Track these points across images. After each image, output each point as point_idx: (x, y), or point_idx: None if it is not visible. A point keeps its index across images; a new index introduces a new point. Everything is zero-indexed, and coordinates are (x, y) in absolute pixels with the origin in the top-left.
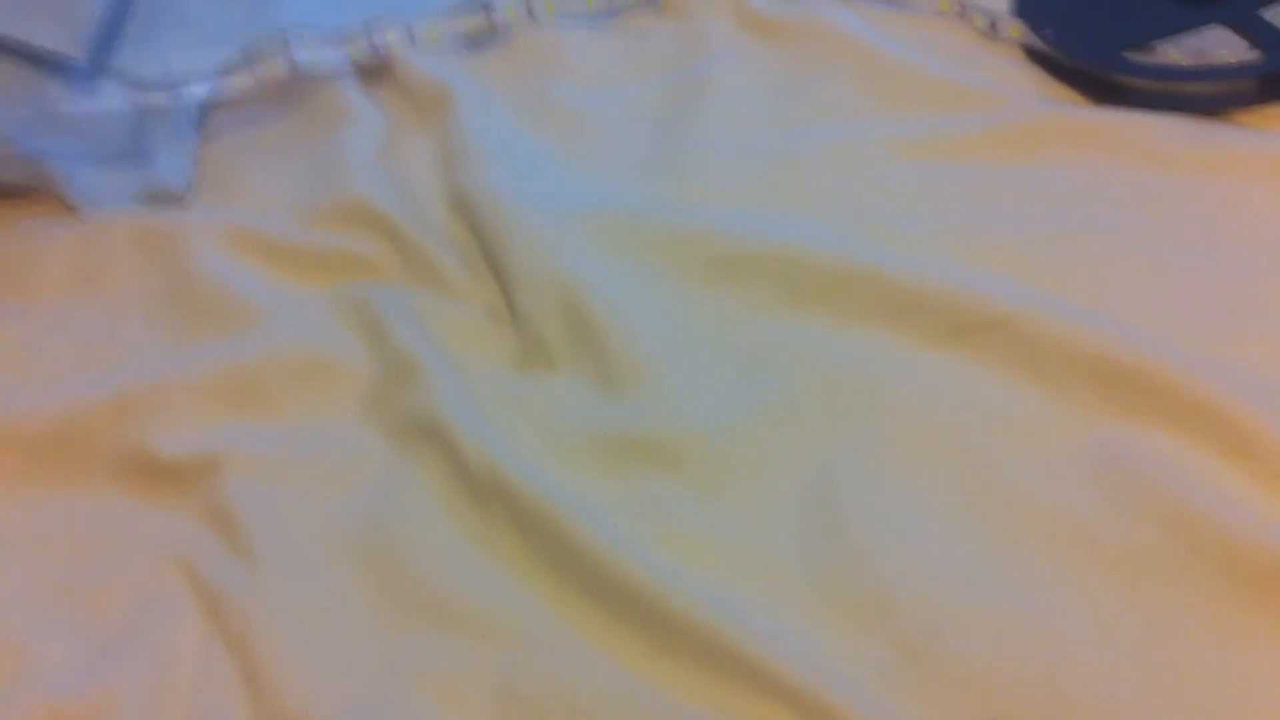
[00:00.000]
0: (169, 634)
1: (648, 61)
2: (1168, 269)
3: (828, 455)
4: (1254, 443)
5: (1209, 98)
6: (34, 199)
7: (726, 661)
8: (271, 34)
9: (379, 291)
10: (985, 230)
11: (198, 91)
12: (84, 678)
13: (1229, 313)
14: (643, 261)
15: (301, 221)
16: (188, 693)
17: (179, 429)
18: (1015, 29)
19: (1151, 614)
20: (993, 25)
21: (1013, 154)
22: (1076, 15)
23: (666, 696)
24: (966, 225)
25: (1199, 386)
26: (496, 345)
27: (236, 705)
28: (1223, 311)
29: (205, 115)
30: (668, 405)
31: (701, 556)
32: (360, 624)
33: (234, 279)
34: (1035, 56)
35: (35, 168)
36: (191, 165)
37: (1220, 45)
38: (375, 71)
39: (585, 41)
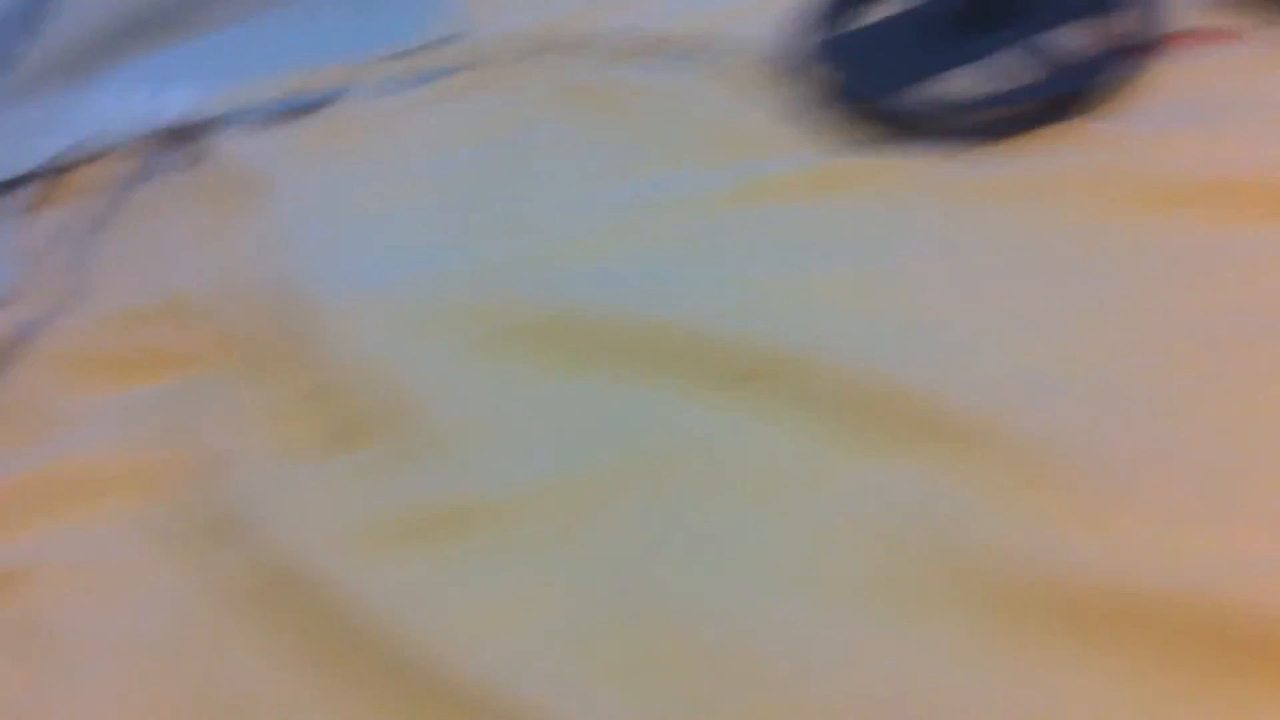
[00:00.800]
0: None
1: (469, 130)
2: (955, 300)
3: (631, 513)
4: (1034, 465)
5: (1000, 122)
6: None
7: None
8: (89, 136)
9: (188, 384)
10: (782, 269)
11: (17, 200)
12: None
13: (1016, 337)
14: (449, 335)
15: (114, 317)
16: None
17: None
18: (812, 71)
19: (939, 643)
20: (795, 69)
21: (813, 195)
22: (868, 55)
23: None
24: (763, 266)
25: (981, 412)
26: (310, 428)
27: None
28: (1010, 336)
29: (27, 215)
30: (477, 472)
31: (505, 622)
32: None
33: (41, 381)
34: (836, 97)
35: None
36: (14, 269)
37: (1007, 70)
38: (191, 155)
39: (406, 112)
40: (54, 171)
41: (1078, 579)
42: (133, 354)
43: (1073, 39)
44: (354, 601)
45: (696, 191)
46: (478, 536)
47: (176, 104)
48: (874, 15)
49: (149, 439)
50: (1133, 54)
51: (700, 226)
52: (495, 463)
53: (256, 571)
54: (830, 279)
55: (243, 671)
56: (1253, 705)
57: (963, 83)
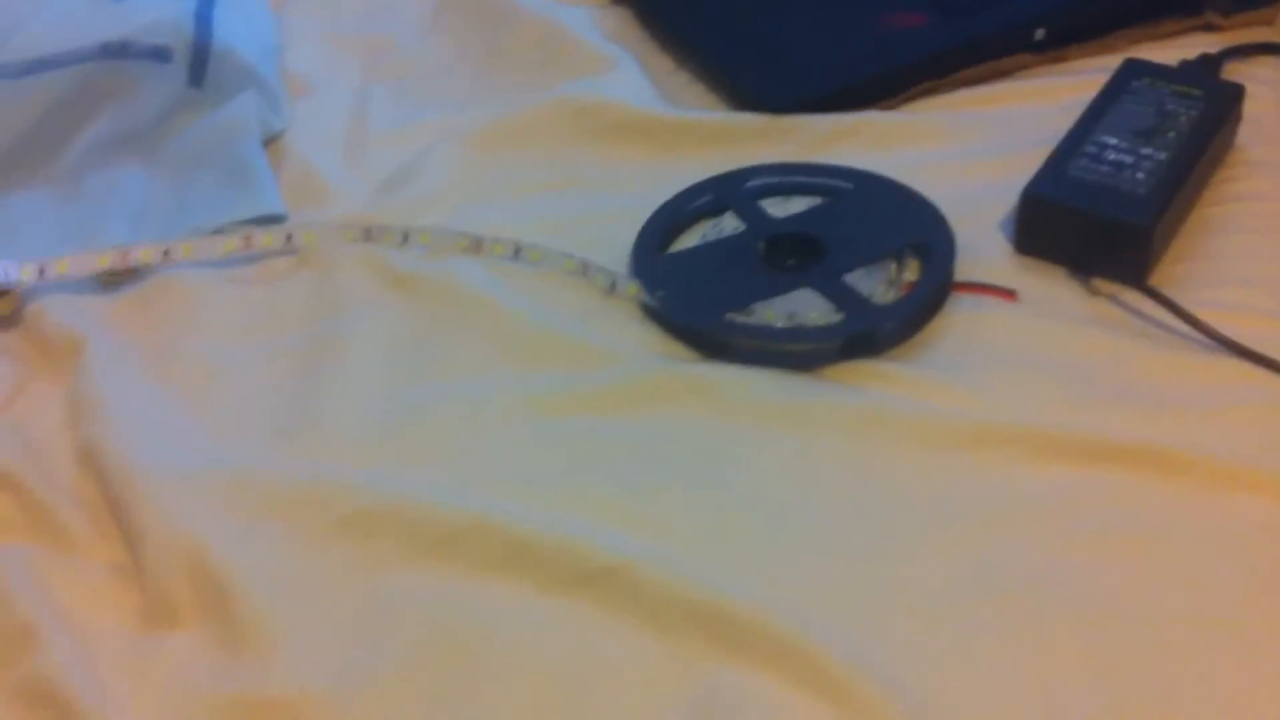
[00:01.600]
0: None
1: (283, 315)
2: (762, 519)
3: (447, 709)
4: (837, 684)
5: (800, 355)
6: None
7: None
8: None
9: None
10: (598, 484)
11: None
12: None
13: (817, 560)
14: (267, 520)
15: None
16: None
17: None
18: (632, 289)
19: None
20: (612, 285)
21: (624, 408)
22: (685, 278)
23: None
24: (580, 479)
25: (789, 633)
26: (121, 605)
27: None
28: (811, 559)
29: None
30: (290, 665)
31: None
32: None
33: None
34: (651, 315)
35: None
36: None
37: (809, 307)
38: (1, 314)
39: (220, 292)
40: None
41: None
42: None
43: (866, 284)
44: None
45: (512, 397)
46: None
47: None
48: (685, 243)
49: None
50: (920, 300)
51: (517, 433)
52: (313, 658)
53: None
54: (650, 493)
55: None
56: None
57: (768, 314)
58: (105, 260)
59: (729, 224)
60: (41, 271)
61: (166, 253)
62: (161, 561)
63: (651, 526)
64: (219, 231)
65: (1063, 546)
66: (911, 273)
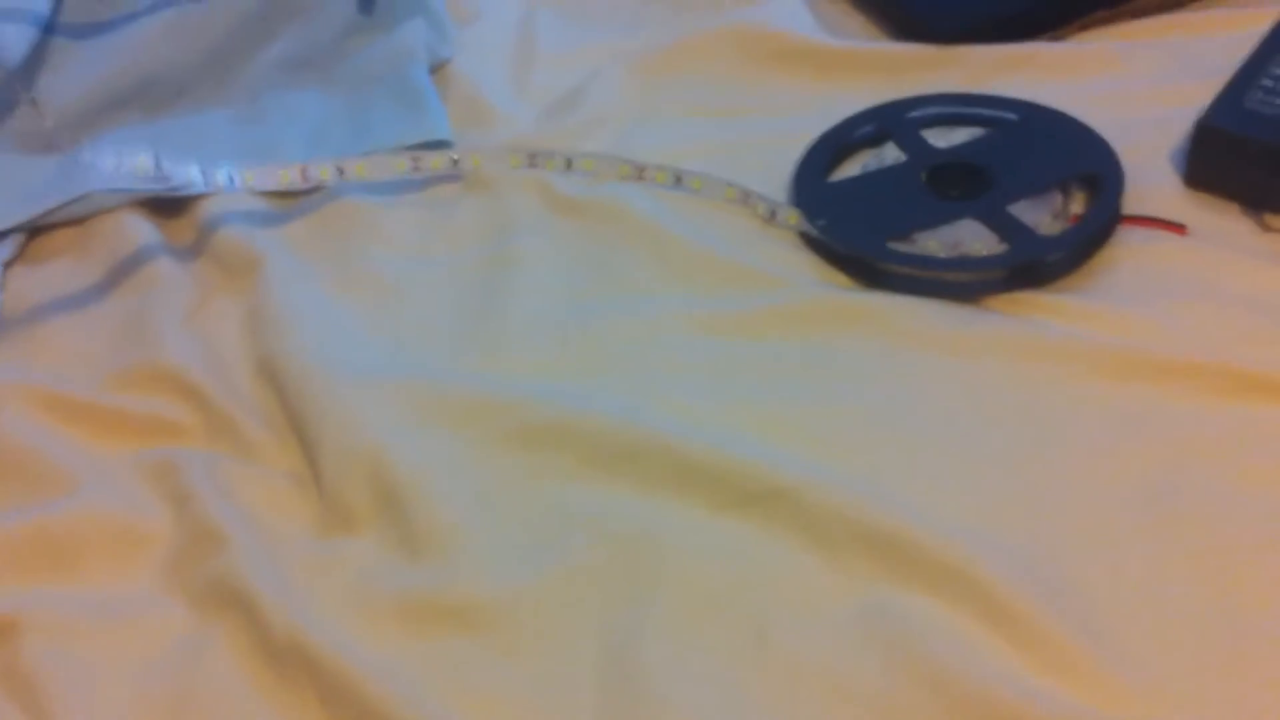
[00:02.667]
0: None
1: (455, 236)
2: (930, 443)
3: (621, 617)
4: (1009, 608)
5: (962, 285)
6: None
7: None
8: (80, 197)
9: (183, 456)
10: (768, 405)
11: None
12: None
13: (986, 484)
14: (446, 430)
15: (107, 385)
16: None
17: None
18: (793, 217)
19: None
20: (773, 213)
21: (788, 332)
22: (846, 207)
23: None
24: (750, 399)
25: (961, 557)
26: (301, 510)
27: None
28: (980, 483)
29: (4, 273)
30: (469, 569)
31: (502, 716)
32: None
33: (37, 440)
34: (810, 243)
35: None
36: None
37: (973, 237)
38: (184, 233)
39: (395, 211)
40: (41, 228)
41: None
42: (117, 416)
43: (1031, 214)
44: (364, 680)
45: (682, 317)
46: (471, 633)
47: (169, 177)
48: (847, 172)
49: (138, 504)
50: (1088, 231)
51: (688, 351)
52: (490, 563)
53: (255, 638)
54: (818, 414)
55: None
56: None
57: (930, 244)
58: (286, 176)
59: (891, 154)
60: (231, 179)
61: (341, 170)
62: (341, 468)
63: (819, 448)
64: (390, 154)
65: (1241, 476)
66: (1078, 204)
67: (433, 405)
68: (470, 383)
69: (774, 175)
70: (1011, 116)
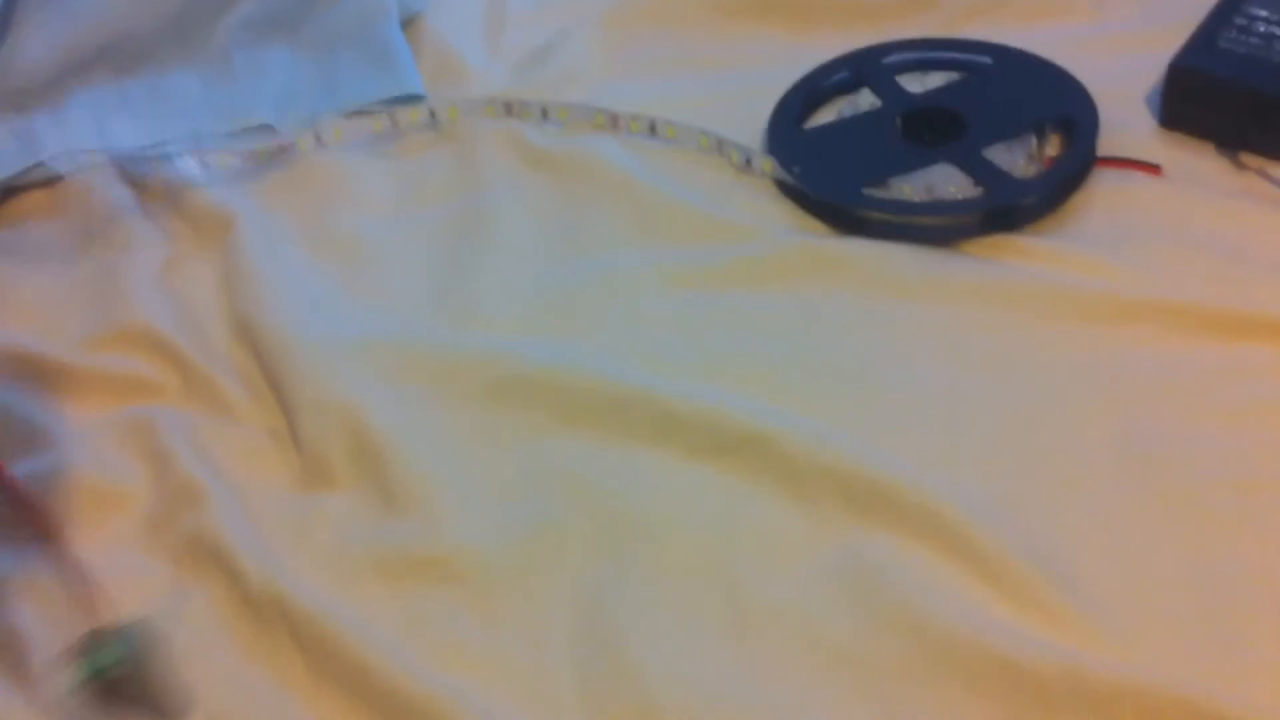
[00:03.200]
0: None
1: (428, 190)
2: (905, 390)
3: (596, 570)
4: (983, 553)
5: (938, 229)
6: None
7: None
8: (49, 159)
9: (159, 414)
10: (742, 355)
11: None
12: None
13: (959, 430)
14: (421, 387)
15: (81, 346)
16: None
17: None
18: (767, 165)
19: (890, 712)
20: (747, 161)
21: (764, 282)
22: (821, 154)
23: None
24: (724, 351)
25: (935, 502)
26: (278, 468)
27: None
28: (953, 429)
29: None
30: (445, 524)
31: (477, 671)
32: None
33: (10, 401)
34: (785, 190)
35: None
36: None
37: (948, 182)
38: (156, 192)
39: (367, 168)
40: (11, 190)
41: (1035, 663)
42: (92, 376)
43: (1006, 158)
44: (342, 633)
45: (655, 270)
46: (449, 587)
47: (135, 137)
48: (821, 119)
49: (115, 464)
50: (1062, 174)
51: (662, 305)
52: (468, 518)
53: (235, 594)
54: (793, 364)
55: (229, 692)
56: None
57: (905, 189)
58: (264, 152)
59: (865, 100)
60: (191, 140)
61: (319, 137)
62: (317, 425)
63: (794, 396)
64: (363, 111)
65: (1213, 418)
66: (1053, 148)
67: (408, 363)
68: (444, 340)
69: (748, 127)
70: (986, 60)
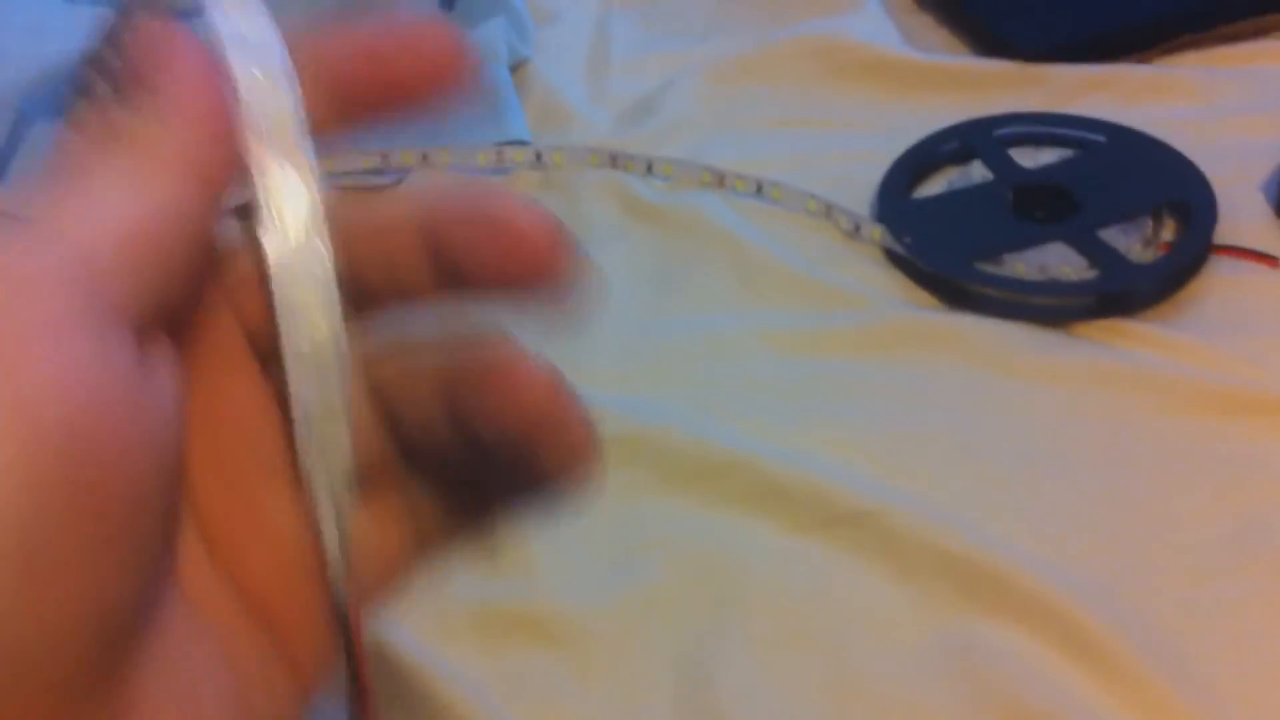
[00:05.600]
0: None
1: None
2: (1015, 472)
3: (699, 638)
4: (1088, 640)
5: (1050, 309)
6: None
7: None
8: None
9: None
10: (847, 426)
11: None
12: None
13: (1072, 515)
14: None
15: None
16: None
17: None
18: (876, 233)
19: None
20: (856, 228)
21: (870, 351)
22: (933, 225)
23: None
24: (829, 420)
25: (1040, 585)
26: None
27: None
28: (1066, 513)
29: None
30: (544, 583)
31: None
32: None
33: None
34: (894, 259)
35: None
36: None
37: (1062, 261)
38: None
39: None
40: None
41: None
42: None
43: (1121, 240)
44: (438, 688)
45: (758, 333)
46: (546, 649)
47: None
48: (930, 189)
49: None
50: (1181, 260)
51: (765, 369)
52: (567, 579)
53: None
54: (899, 438)
55: None
56: None
57: (1017, 266)
58: (369, 161)
59: (977, 172)
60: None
61: (425, 156)
62: None
63: (901, 472)
64: (469, 148)
65: None
66: (1169, 232)
67: None
68: None
69: (853, 190)
70: (1099, 138)
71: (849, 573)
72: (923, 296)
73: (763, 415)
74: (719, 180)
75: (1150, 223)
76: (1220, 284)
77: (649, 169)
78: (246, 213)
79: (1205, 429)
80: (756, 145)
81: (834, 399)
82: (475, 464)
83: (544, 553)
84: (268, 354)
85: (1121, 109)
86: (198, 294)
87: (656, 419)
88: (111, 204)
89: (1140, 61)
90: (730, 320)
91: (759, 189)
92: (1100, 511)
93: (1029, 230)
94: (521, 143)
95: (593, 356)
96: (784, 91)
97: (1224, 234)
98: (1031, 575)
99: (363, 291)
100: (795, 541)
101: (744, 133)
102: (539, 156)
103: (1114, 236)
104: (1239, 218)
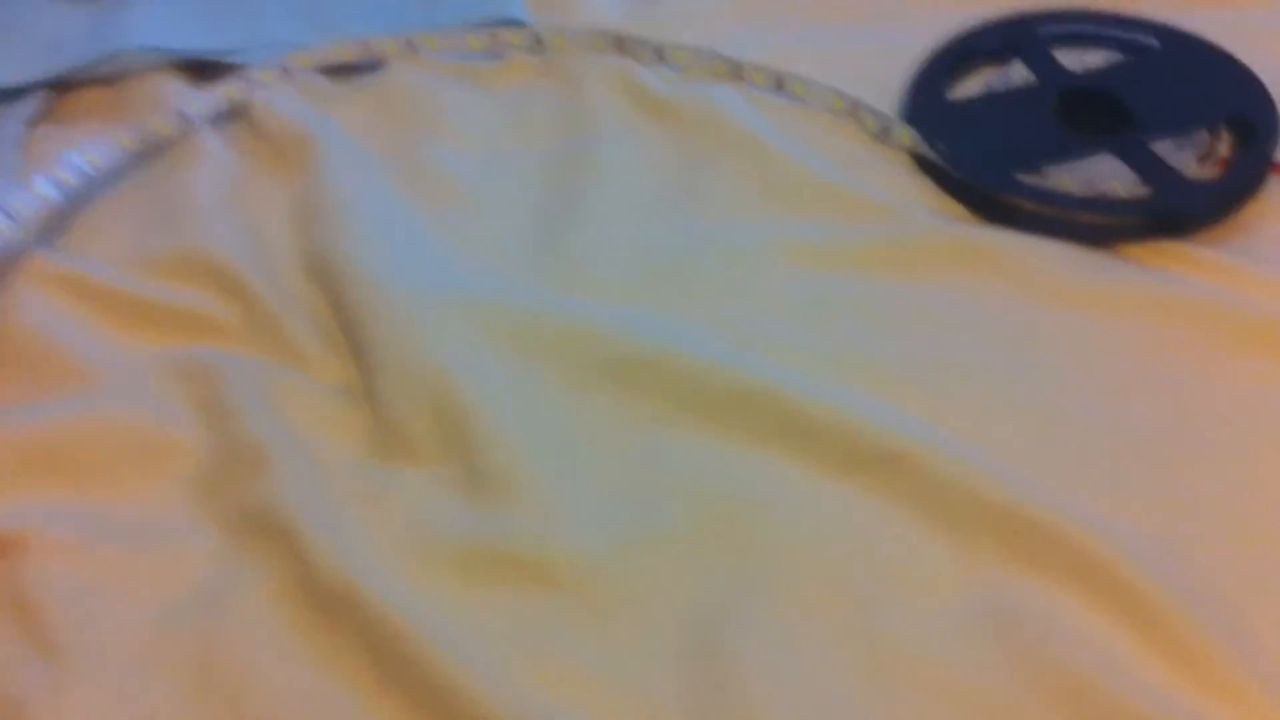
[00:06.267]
0: None
1: (532, 129)
2: (1061, 414)
3: (715, 586)
4: (1142, 605)
5: (1097, 228)
6: None
7: None
8: (116, 53)
9: (222, 358)
10: (876, 353)
11: (22, 110)
12: None
13: (1122, 464)
14: (522, 356)
15: (138, 270)
16: None
17: None
18: (906, 136)
19: None
20: (885, 130)
21: (902, 270)
22: (967, 130)
23: None
24: (860, 348)
25: (1092, 544)
26: (352, 430)
27: None
28: (1116, 462)
29: (26, 133)
30: (543, 519)
31: (572, 693)
32: None
33: (53, 327)
34: (925, 166)
35: None
36: (28, 199)
37: (1111, 175)
38: (230, 104)
39: (463, 96)
40: (69, 85)
41: None
42: (147, 305)
43: (1175, 156)
44: (421, 638)
45: (780, 244)
46: (541, 592)
47: (211, 39)
48: (967, 91)
49: (167, 410)
50: (1240, 179)
51: (790, 287)
52: (566, 513)
53: (296, 577)
54: (935, 371)
55: (282, 688)
56: None
57: (1061, 179)
58: (348, 54)
59: (1017, 74)
60: (285, 71)
61: (410, 43)
62: (400, 389)
63: (937, 410)
64: (460, 31)
65: None
66: (1226, 148)
67: (507, 328)
68: (550, 305)
69: (884, 89)
70: (1154, 43)
71: (881, 522)
72: (956, 208)
73: (788, 340)
74: (736, 71)
75: (1207, 137)
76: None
77: (660, 56)
78: None
79: (1267, 370)
80: (780, 37)
81: (864, 324)
82: None
83: (541, 483)
84: None
85: (1179, 10)
86: None
87: (675, 340)
88: None
89: None
90: (748, 230)
91: (779, 84)
92: (1155, 463)
93: (1074, 140)
94: (519, 24)
95: (599, 263)
96: None
97: None
98: (1081, 531)
99: None
100: (825, 484)
101: (767, 22)
102: (538, 40)
103: (1168, 151)
104: None
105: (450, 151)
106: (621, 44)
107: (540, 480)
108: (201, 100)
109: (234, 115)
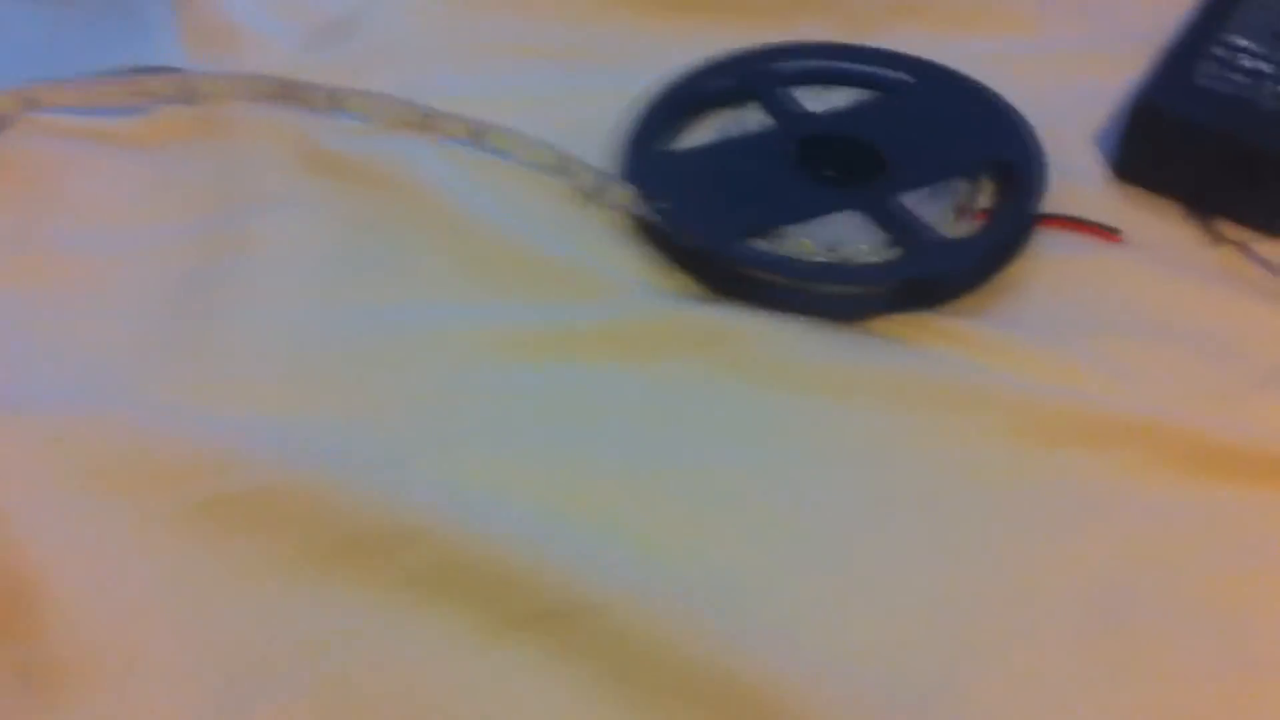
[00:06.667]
0: None
1: (177, 198)
2: (802, 528)
3: None
4: None
5: (842, 300)
6: None
7: None
8: None
9: None
10: (579, 464)
11: None
12: None
13: (877, 594)
14: (113, 496)
15: None
16: None
17: None
18: (624, 196)
19: None
20: (600, 189)
21: (615, 360)
22: (694, 187)
23: None
24: (555, 455)
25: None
26: None
27: None
28: (869, 592)
29: None
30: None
31: None
32: None
33: None
34: (647, 230)
35: None
36: None
37: (857, 235)
38: None
39: (95, 160)
40: None
41: None
42: None
43: (929, 209)
44: None
45: (471, 331)
46: None
47: None
48: (695, 139)
49: None
50: (1001, 235)
51: (484, 382)
52: (154, 703)
53: None
54: (652, 481)
55: None
56: None
57: (804, 243)
58: None
59: (752, 118)
60: None
61: (29, 100)
62: None
63: (653, 534)
64: (98, 79)
65: (1207, 584)
66: (986, 197)
67: (98, 458)
68: (157, 425)
69: (600, 138)
70: (906, 78)
71: (555, 680)
72: (683, 280)
73: (473, 449)
74: (425, 122)
75: (965, 186)
76: (1051, 265)
77: (332, 101)
78: None
79: (1047, 463)
80: (485, 79)
81: (563, 425)
82: None
83: (120, 669)
84: None
85: (933, 43)
86: None
87: (311, 462)
88: None
89: None
90: (435, 312)
91: (478, 135)
92: (917, 585)
93: (817, 194)
94: (167, 69)
95: (243, 360)
96: (516, 13)
97: (1056, 201)
98: (800, 693)
99: None
100: (493, 647)
101: (470, 62)
102: (190, 88)
103: (919, 203)
104: (1072, 180)
105: (70, 227)
106: (290, 90)
107: (115, 665)
108: None
109: None
